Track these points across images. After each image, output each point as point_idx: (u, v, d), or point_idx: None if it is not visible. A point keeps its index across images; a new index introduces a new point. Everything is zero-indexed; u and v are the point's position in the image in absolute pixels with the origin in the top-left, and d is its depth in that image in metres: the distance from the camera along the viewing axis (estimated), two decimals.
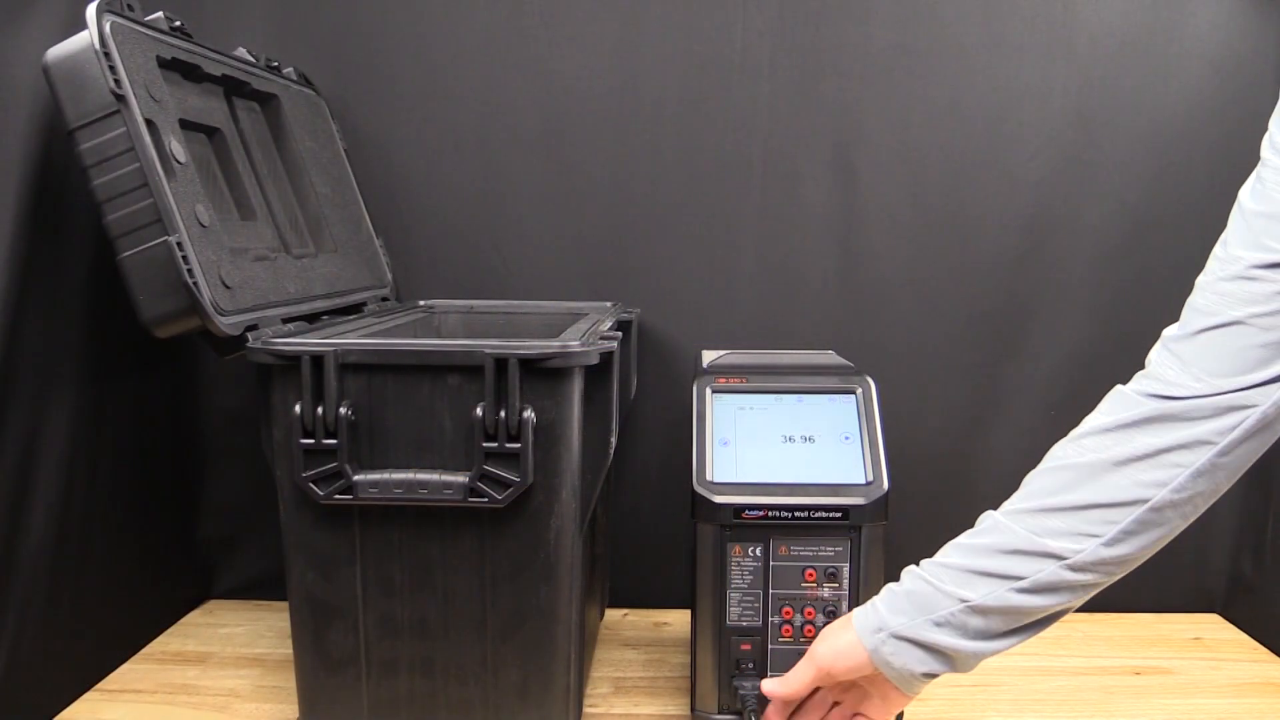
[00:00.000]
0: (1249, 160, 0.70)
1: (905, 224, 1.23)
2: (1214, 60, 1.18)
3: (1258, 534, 1.22)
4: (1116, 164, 1.21)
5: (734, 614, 0.90)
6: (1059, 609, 0.73)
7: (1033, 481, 0.75)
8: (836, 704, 0.84)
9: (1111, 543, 0.70)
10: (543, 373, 0.82)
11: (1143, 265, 1.21)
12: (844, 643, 0.78)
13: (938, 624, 0.74)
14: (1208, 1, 1.18)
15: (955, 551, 0.76)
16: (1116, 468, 0.70)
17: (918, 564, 0.78)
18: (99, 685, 1.03)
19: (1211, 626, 1.24)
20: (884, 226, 1.23)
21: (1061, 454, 0.74)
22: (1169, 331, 0.71)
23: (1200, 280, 0.70)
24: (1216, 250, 0.70)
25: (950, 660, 0.75)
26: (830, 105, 1.22)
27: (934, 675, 0.76)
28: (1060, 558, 0.71)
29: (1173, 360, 0.70)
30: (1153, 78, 1.20)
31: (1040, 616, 0.74)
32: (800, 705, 0.85)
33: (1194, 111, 1.19)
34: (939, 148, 1.22)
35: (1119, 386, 0.73)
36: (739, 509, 0.88)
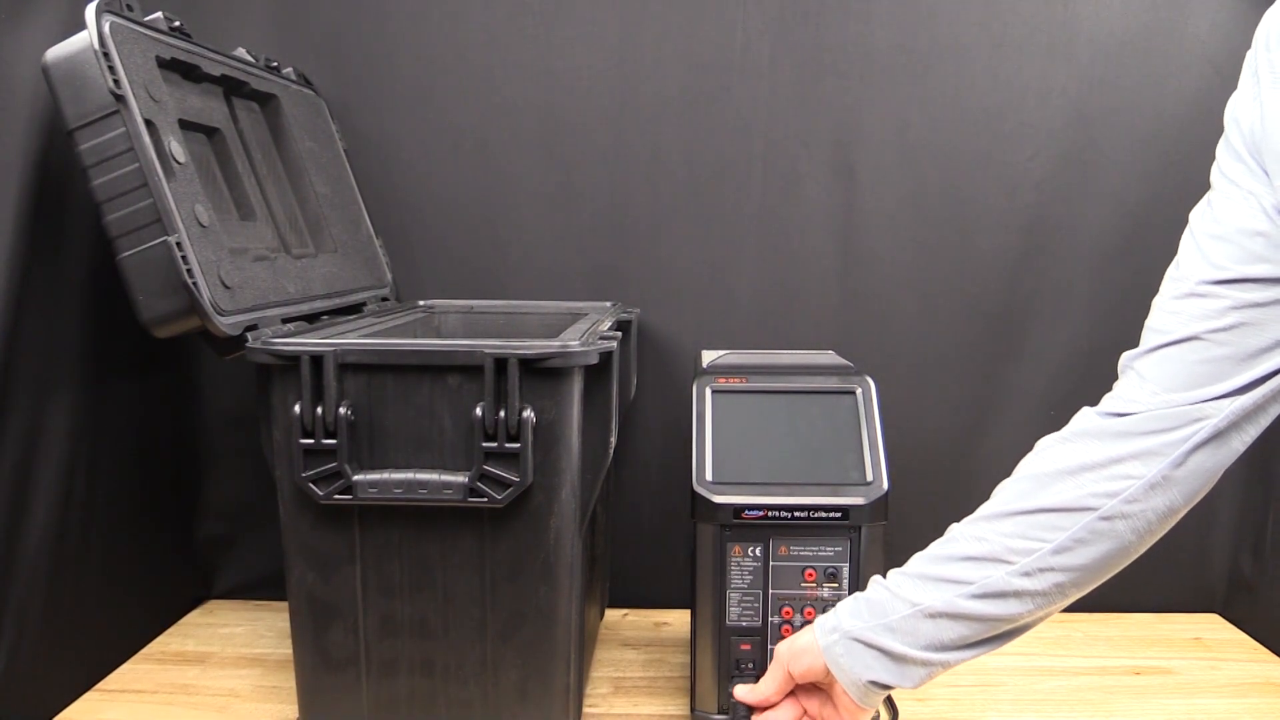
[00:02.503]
0: None
1: (905, 224, 1.23)
2: (1214, 60, 1.18)
3: (1258, 534, 1.22)
4: (1116, 164, 1.21)
5: (734, 614, 0.90)
6: (1009, 622, 0.74)
7: (998, 493, 0.76)
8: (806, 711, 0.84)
9: (1060, 550, 0.70)
10: (543, 373, 0.82)
11: (1143, 265, 1.19)
12: (803, 642, 0.80)
13: (889, 628, 0.75)
14: (1208, 1, 1.18)
15: (916, 561, 0.77)
16: (1069, 476, 0.71)
17: (884, 574, 0.79)
18: (99, 685, 1.03)
19: (1211, 626, 1.24)
20: (884, 226, 1.23)
21: (1025, 465, 0.75)
22: (1127, 353, 0.72)
23: (1155, 302, 0.72)
24: (1170, 272, 0.71)
25: (899, 669, 0.75)
26: (830, 105, 1.22)
27: (884, 686, 0.76)
28: (1008, 563, 0.71)
29: (1133, 377, 0.71)
30: (1153, 78, 1.20)
31: (993, 632, 0.74)
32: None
33: (1194, 112, 1.19)
34: (939, 148, 1.22)
35: (1085, 408, 0.74)
36: (739, 509, 0.88)
